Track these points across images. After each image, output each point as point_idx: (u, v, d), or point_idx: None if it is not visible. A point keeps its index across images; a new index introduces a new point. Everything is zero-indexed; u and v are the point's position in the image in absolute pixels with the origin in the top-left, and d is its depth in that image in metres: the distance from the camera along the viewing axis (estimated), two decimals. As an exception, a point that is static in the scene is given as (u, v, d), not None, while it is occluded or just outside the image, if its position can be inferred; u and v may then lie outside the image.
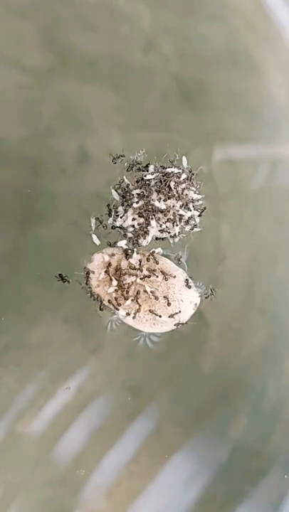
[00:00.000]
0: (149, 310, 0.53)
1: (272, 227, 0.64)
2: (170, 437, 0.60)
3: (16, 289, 0.62)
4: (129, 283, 0.52)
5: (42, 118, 0.64)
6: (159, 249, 0.55)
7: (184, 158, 0.56)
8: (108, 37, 0.66)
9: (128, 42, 0.66)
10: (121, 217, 0.54)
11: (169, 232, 0.55)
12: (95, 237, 0.55)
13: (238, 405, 0.61)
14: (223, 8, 0.67)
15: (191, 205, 0.55)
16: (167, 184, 0.53)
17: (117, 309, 0.53)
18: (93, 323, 0.61)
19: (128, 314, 0.53)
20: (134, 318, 0.53)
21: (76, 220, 0.63)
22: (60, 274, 0.55)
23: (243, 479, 0.60)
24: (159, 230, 0.54)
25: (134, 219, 0.54)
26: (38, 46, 0.65)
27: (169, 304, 0.53)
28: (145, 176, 0.54)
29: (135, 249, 0.54)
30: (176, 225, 0.54)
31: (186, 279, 0.54)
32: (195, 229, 0.56)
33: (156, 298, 0.52)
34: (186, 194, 0.54)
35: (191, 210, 0.55)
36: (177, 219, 0.54)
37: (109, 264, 0.53)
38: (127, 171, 0.55)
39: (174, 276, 0.54)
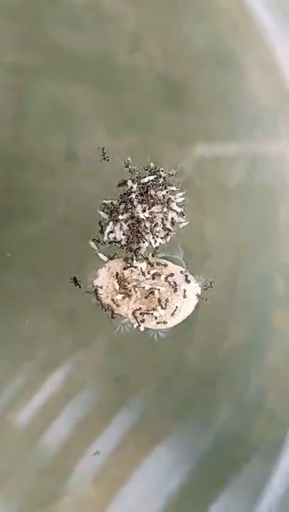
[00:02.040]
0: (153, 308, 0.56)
1: (254, 223, 0.66)
2: (156, 426, 0.62)
3: (5, 283, 0.63)
4: (135, 288, 0.55)
5: (29, 117, 0.66)
6: (158, 243, 0.57)
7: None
8: (94, 37, 0.67)
9: (114, 42, 0.67)
10: (112, 232, 0.56)
11: (159, 236, 0.57)
12: (101, 255, 0.58)
13: (222, 395, 0.63)
14: (206, 8, 0.68)
15: (174, 205, 0.57)
16: (148, 194, 0.55)
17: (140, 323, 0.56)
18: (82, 317, 0.63)
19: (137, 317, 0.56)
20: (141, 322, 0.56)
21: (65, 216, 0.64)
22: (74, 278, 0.57)
23: (227, 466, 0.62)
24: (151, 238, 0.56)
25: (124, 233, 0.56)
26: (25, 46, 0.66)
27: (175, 290, 0.56)
28: (128, 191, 0.56)
29: (134, 257, 0.56)
30: (165, 229, 0.56)
31: (186, 275, 0.57)
32: (182, 224, 0.58)
33: (164, 299, 0.55)
34: (168, 196, 0.56)
35: (175, 211, 0.57)
36: (165, 222, 0.56)
37: (117, 274, 0.55)
38: (118, 186, 0.57)
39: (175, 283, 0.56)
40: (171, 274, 0.56)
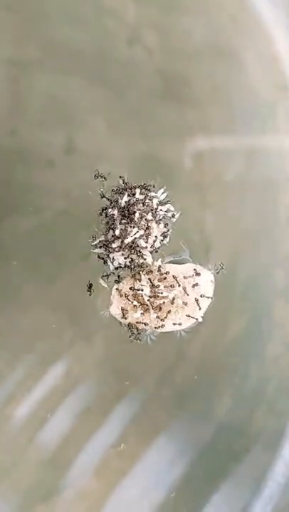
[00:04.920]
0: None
1: (253, 216, 0.66)
2: (156, 418, 0.62)
3: (5, 277, 0.63)
4: (149, 300, 0.55)
5: (28, 110, 0.65)
6: (159, 262, 0.57)
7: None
8: (93, 30, 0.67)
9: (113, 35, 0.67)
10: (114, 260, 0.56)
11: (156, 244, 0.57)
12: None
13: (222, 387, 0.63)
14: (205, 2, 0.69)
15: (160, 208, 0.56)
16: (130, 212, 0.55)
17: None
18: (83, 311, 0.63)
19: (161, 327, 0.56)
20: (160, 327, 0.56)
21: (64, 209, 0.64)
22: (90, 284, 0.57)
23: (228, 457, 0.62)
24: (150, 247, 0.56)
25: (125, 257, 0.56)
26: (24, 39, 0.66)
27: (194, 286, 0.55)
28: (111, 219, 0.55)
29: (141, 271, 0.56)
30: (161, 234, 0.56)
31: (194, 269, 0.57)
32: (175, 217, 0.57)
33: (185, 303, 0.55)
34: (150, 203, 0.56)
35: (163, 214, 0.56)
36: (158, 228, 0.56)
37: (125, 295, 0.55)
38: (100, 214, 0.56)
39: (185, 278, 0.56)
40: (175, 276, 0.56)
